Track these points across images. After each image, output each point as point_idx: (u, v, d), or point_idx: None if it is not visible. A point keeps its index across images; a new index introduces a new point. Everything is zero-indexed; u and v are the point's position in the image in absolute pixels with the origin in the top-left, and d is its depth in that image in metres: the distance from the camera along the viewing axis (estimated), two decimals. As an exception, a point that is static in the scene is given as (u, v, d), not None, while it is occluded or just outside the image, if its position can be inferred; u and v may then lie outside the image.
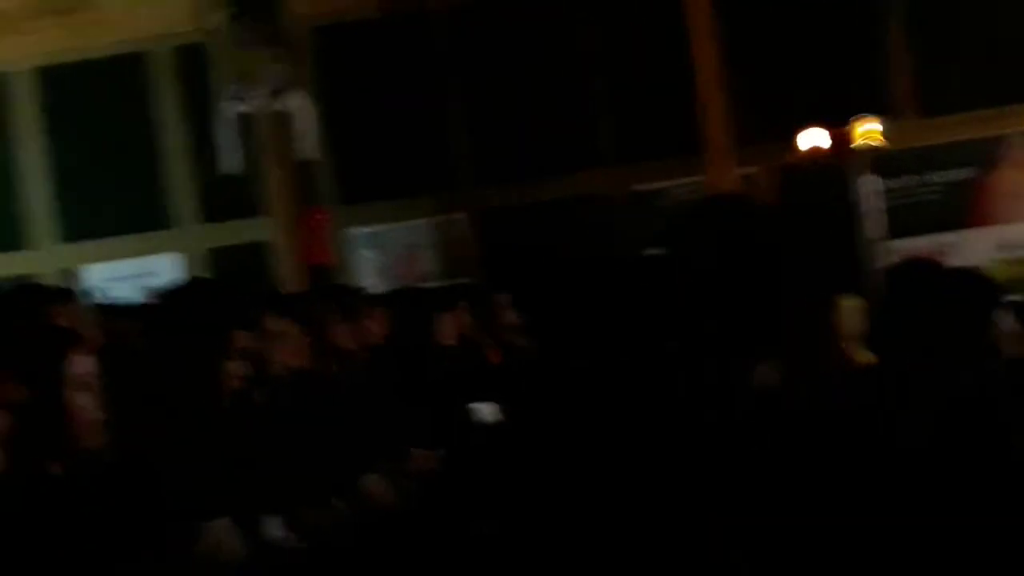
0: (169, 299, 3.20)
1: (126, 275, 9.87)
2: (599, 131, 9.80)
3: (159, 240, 9.97)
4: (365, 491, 3.69)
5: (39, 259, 9.98)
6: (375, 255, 10.03)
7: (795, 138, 8.94)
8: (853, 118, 8.82)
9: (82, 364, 2.41)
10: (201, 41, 8.38)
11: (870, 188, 8.72)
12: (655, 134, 9.37)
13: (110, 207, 9.86)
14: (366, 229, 9.98)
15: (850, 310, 2.81)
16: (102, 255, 9.94)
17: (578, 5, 9.79)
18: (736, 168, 8.99)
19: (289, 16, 8.33)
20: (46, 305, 3.87)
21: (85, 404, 2.41)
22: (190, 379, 2.76)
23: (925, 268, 2.82)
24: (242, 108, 8.35)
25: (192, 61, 9.31)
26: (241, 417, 3.08)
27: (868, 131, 8.78)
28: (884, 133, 8.88)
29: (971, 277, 2.40)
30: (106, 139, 9.86)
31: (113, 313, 6.42)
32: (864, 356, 3.55)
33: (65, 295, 4.17)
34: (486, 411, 5.23)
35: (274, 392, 3.36)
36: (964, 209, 9.34)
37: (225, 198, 9.48)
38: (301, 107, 8.58)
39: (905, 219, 9.03)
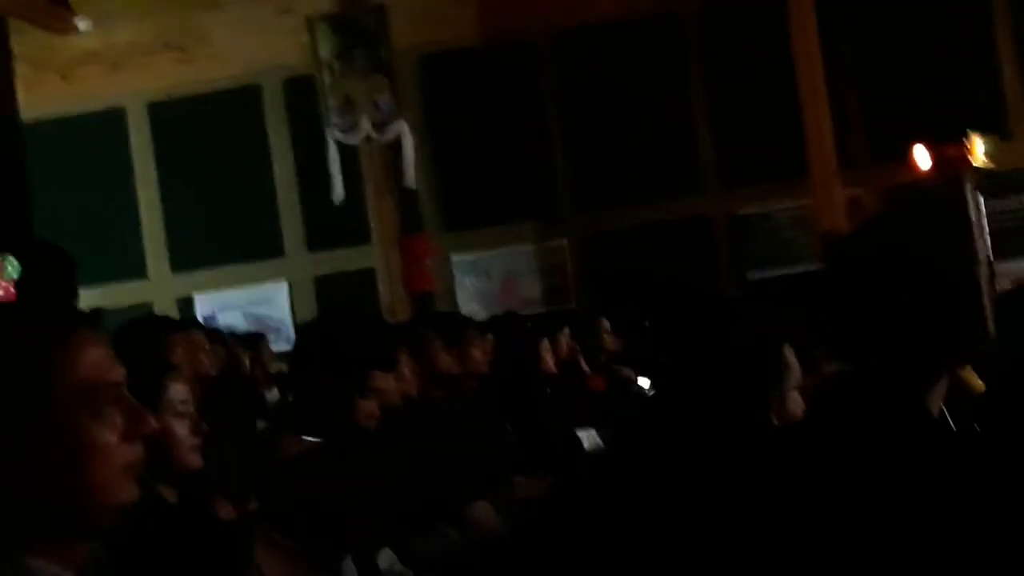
0: (309, 334, 3.27)
1: (236, 303, 10.11)
2: (702, 154, 9.76)
3: (268, 268, 10.19)
4: (473, 519, 3.72)
5: (154, 288, 10.28)
6: (477, 282, 10.11)
7: (902, 159, 8.79)
8: (961, 137, 8.65)
9: (178, 392, 2.51)
10: (310, 73, 8.57)
11: (977, 208, 8.53)
12: (759, 157, 9.28)
13: (221, 236, 10.12)
14: (468, 256, 10.07)
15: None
16: (213, 283, 10.19)
17: (681, 29, 9.78)
18: (842, 190, 8.86)
19: (394, 46, 8.48)
20: (165, 334, 3.99)
21: (182, 431, 2.51)
22: (325, 416, 2.82)
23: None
24: (348, 138, 8.51)
25: (301, 92, 9.52)
26: (358, 448, 3.13)
27: (975, 150, 8.60)
28: (991, 152, 8.68)
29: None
30: (218, 170, 10.13)
31: (227, 340, 6.61)
32: (974, 381, 3.48)
33: (184, 324, 4.30)
34: (589, 438, 5.23)
35: (386, 421, 3.41)
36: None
37: (331, 226, 9.66)
38: (405, 136, 8.71)
39: (1010, 240, 8.80)
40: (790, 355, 2.37)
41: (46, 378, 1.27)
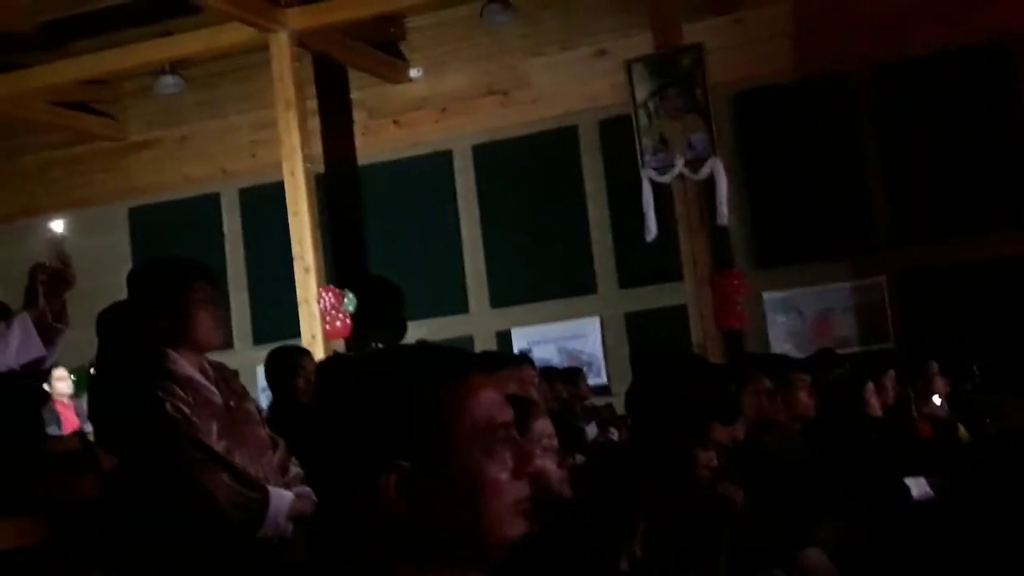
0: (645, 382, 3.32)
1: (551, 337, 10.43)
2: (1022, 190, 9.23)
3: (582, 304, 10.45)
4: (806, 564, 3.71)
5: (475, 322, 10.75)
6: (789, 320, 9.96)
7: None
8: None
9: (543, 427, 2.61)
10: (625, 113, 8.76)
11: None
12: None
13: (538, 273, 10.47)
14: (780, 293, 9.94)
15: None
16: (530, 318, 10.55)
17: (1003, 57, 9.33)
18: None
19: (709, 84, 8.54)
20: (502, 369, 4.22)
21: (551, 465, 2.60)
22: (663, 466, 2.85)
23: None
24: (663, 176, 8.62)
25: (616, 133, 9.75)
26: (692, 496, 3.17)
27: None
28: None
29: None
30: (536, 209, 10.51)
31: (550, 376, 6.85)
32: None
33: (517, 360, 4.51)
34: (918, 486, 5.07)
35: (718, 467, 3.46)
36: None
37: (643, 264, 9.79)
38: (718, 173, 8.72)
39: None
40: None
41: (448, 418, 1.35)
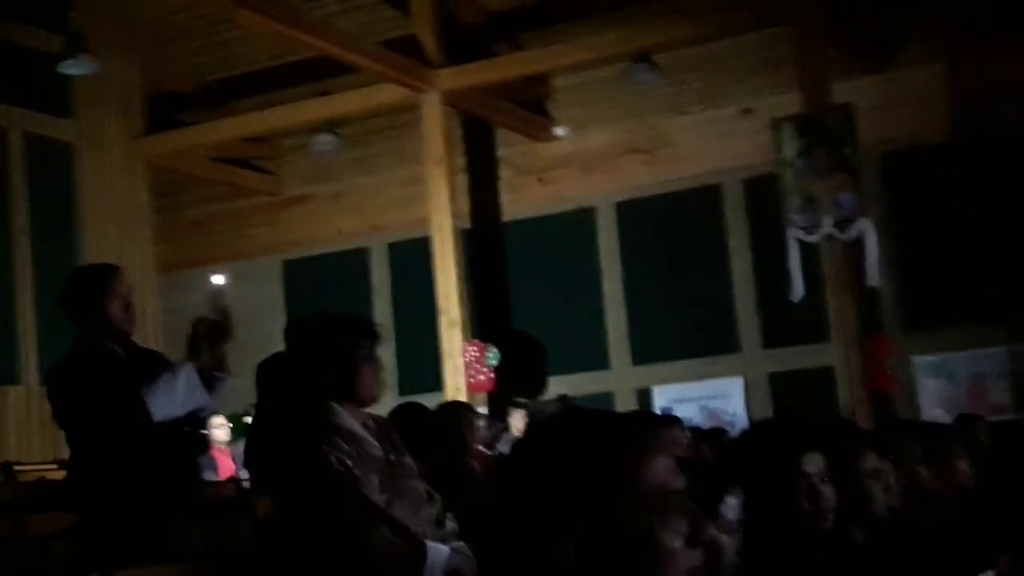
0: (751, 433, 3.30)
1: (692, 396, 10.35)
2: None
3: (724, 364, 10.36)
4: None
5: (616, 379, 10.75)
6: (940, 384, 9.69)
7: None
8: None
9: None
10: (771, 172, 8.72)
11: None
12: None
13: (680, 331, 10.43)
14: (931, 357, 9.69)
15: None
16: (671, 376, 10.50)
17: None
18: None
19: (859, 144, 8.44)
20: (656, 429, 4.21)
21: (720, 534, 2.58)
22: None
23: None
24: (809, 236, 8.52)
25: (761, 192, 9.70)
26: (841, 557, 3.14)
27: None
28: None
29: None
30: (678, 267, 10.50)
31: (696, 437, 6.80)
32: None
33: (669, 420, 4.51)
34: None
35: (876, 533, 3.39)
36: None
37: (788, 324, 9.67)
38: (868, 234, 8.59)
39: None
40: None
41: (625, 484, 1.35)
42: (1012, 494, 5.04)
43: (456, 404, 5.28)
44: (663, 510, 1.38)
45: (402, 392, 10.49)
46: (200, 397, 3.51)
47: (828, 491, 2.87)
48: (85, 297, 3.61)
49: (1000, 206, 9.44)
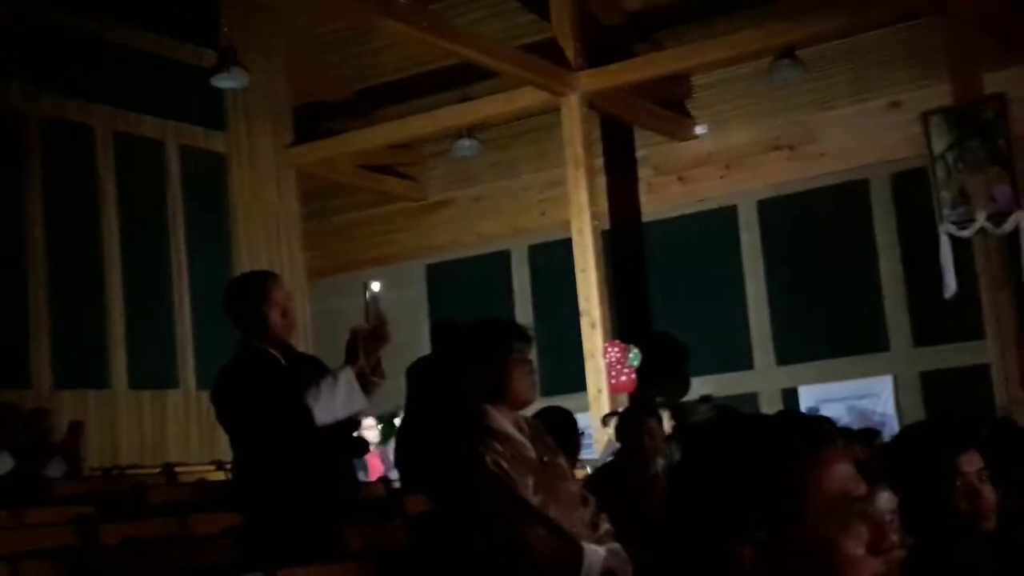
0: (905, 434, 3.22)
1: (840, 396, 10.14)
2: None
3: (873, 362, 10.12)
4: None
5: (760, 379, 10.61)
6: (1103, 382, 9.27)
7: None
8: None
9: (887, 500, 2.54)
10: (920, 166, 8.49)
11: None
12: None
13: (826, 330, 10.23)
14: (1093, 354, 9.28)
15: None
16: (817, 376, 10.30)
17: None
18: None
19: (1013, 136, 8.16)
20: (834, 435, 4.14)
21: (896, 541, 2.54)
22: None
23: None
24: (962, 231, 8.28)
25: (910, 186, 9.45)
26: (1007, 559, 3.04)
27: None
28: None
29: None
30: (823, 265, 10.30)
31: (847, 438, 6.68)
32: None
33: (822, 421, 4.42)
34: None
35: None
36: None
37: (940, 322, 9.41)
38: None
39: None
40: None
41: (806, 490, 1.34)
42: None
43: (633, 411, 5.26)
44: (845, 517, 1.37)
45: (544, 393, 10.53)
46: (359, 401, 3.60)
47: (987, 491, 2.79)
48: (246, 304, 3.70)
49: None
